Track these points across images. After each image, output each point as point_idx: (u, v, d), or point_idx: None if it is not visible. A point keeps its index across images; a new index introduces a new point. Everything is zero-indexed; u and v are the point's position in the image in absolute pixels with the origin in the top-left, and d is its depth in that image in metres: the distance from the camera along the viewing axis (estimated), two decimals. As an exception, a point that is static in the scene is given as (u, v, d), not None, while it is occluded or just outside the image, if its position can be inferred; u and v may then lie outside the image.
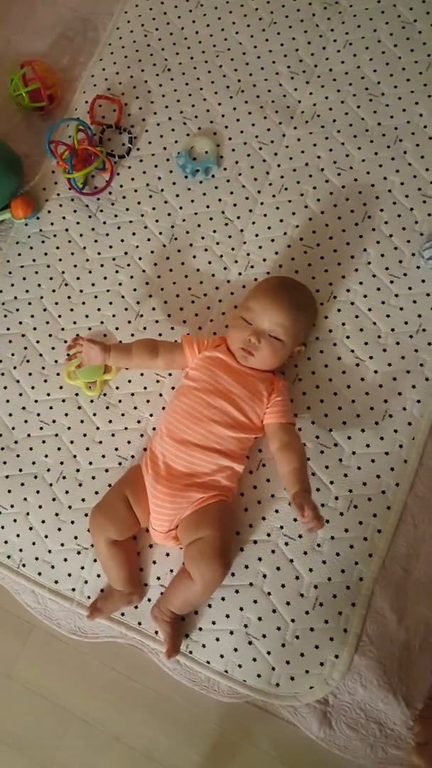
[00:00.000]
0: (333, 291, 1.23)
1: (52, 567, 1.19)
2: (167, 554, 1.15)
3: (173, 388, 1.22)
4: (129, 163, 1.37)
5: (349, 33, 1.36)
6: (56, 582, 1.18)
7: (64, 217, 1.36)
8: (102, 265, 1.32)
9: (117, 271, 1.31)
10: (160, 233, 1.32)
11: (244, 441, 1.12)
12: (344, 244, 1.25)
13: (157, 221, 1.32)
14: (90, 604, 1.16)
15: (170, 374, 1.23)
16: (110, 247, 1.33)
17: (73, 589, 1.18)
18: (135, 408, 1.23)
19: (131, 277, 1.30)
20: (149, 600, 1.14)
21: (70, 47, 1.48)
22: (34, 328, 1.30)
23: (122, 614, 1.15)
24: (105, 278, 1.31)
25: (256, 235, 1.28)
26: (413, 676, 1.07)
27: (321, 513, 1.01)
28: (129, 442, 1.21)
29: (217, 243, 1.29)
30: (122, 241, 1.32)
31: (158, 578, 1.14)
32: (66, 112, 1.43)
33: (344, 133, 1.31)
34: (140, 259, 1.31)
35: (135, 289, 1.29)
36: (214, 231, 1.30)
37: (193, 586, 1.06)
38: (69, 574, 1.18)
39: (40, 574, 1.19)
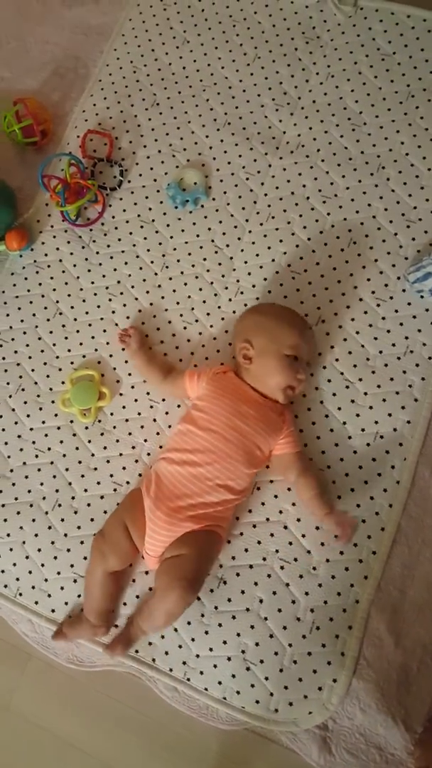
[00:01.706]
0: (321, 315, 1.23)
1: (49, 596, 1.16)
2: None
3: (167, 413, 1.21)
4: (120, 195, 1.37)
5: (331, 66, 1.38)
6: (53, 611, 1.16)
7: (57, 248, 1.36)
8: (95, 294, 1.32)
9: (110, 300, 1.31)
10: (152, 262, 1.32)
11: (254, 475, 1.11)
12: (331, 270, 1.26)
13: (148, 250, 1.33)
14: (57, 627, 1.14)
15: (163, 399, 1.22)
16: (103, 276, 1.32)
17: (70, 617, 1.15)
18: (129, 434, 1.21)
19: (124, 305, 1.30)
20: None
21: (62, 84, 1.49)
22: (29, 357, 1.29)
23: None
24: (98, 306, 1.31)
25: (245, 262, 1.28)
26: (412, 699, 1.04)
27: (317, 534, 1.03)
28: (124, 468, 1.20)
29: (208, 270, 1.29)
30: (115, 270, 1.32)
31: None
32: (58, 146, 1.44)
33: (328, 162, 1.32)
34: (132, 287, 1.31)
35: (128, 317, 1.29)
36: (205, 259, 1.30)
37: (156, 607, 1.04)
38: (66, 603, 1.16)
39: (36, 603, 1.16)
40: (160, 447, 1.19)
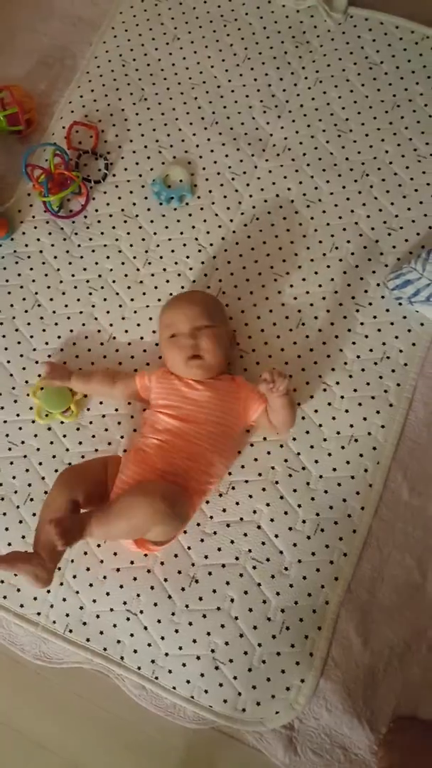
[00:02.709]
0: (302, 318, 1.23)
1: (18, 590, 1.13)
2: (121, 586, 1.11)
3: (145, 410, 1.19)
4: (104, 189, 1.35)
5: (320, 71, 1.38)
6: (21, 606, 1.13)
7: (38, 239, 1.32)
8: (75, 287, 1.29)
9: (90, 294, 1.28)
10: (134, 257, 1.30)
11: (230, 457, 1.11)
12: (312, 273, 1.25)
13: (131, 246, 1.30)
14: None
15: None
16: (84, 269, 1.30)
17: (39, 613, 1.12)
18: (106, 430, 1.19)
19: (104, 299, 1.28)
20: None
21: (48, 74, 1.46)
22: (5, 348, 1.26)
23: (87, 640, 1.10)
24: (78, 300, 1.28)
25: (228, 262, 1.27)
26: (378, 700, 1.05)
27: (289, 535, 0.99)
28: (98, 465, 1.18)
29: (190, 268, 1.28)
30: (96, 264, 1.30)
31: (124, 602, 1.10)
32: (43, 136, 1.40)
33: (313, 167, 1.32)
34: (114, 282, 1.28)
35: (108, 312, 1.27)
36: (188, 257, 1.29)
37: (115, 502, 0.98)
38: (35, 598, 1.13)
39: (5, 597, 1.13)
40: (136, 444, 1.17)
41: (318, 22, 1.41)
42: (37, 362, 1.24)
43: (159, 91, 1.41)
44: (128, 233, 1.32)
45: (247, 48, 1.42)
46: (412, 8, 1.39)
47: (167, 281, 1.28)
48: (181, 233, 1.30)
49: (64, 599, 1.12)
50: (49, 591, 1.13)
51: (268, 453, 1.15)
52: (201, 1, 1.47)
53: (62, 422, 1.19)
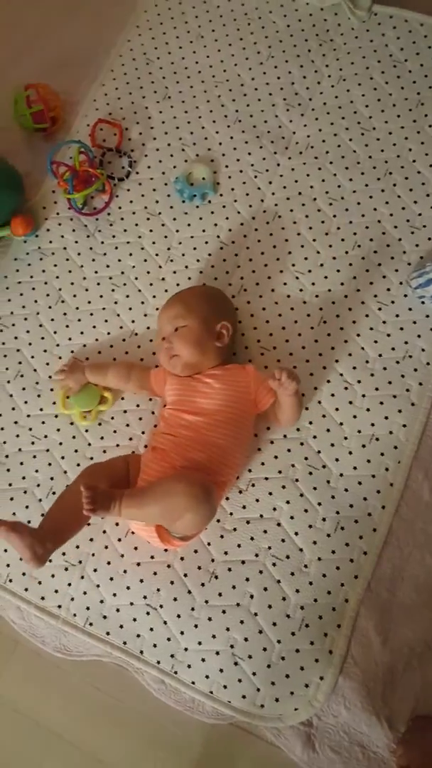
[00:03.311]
0: (323, 316, 1.22)
1: (39, 583, 1.14)
2: (127, 587, 1.11)
3: (165, 405, 1.19)
4: (128, 186, 1.35)
5: (343, 69, 1.37)
6: (42, 598, 1.14)
7: (62, 236, 1.33)
8: (98, 284, 1.29)
9: (113, 290, 1.29)
10: (157, 255, 1.30)
11: (244, 445, 1.10)
12: (335, 272, 1.25)
13: (153, 243, 1.31)
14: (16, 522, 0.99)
15: (163, 393, 1.21)
16: (107, 266, 1.30)
17: (59, 606, 1.13)
18: (127, 425, 1.20)
19: (127, 296, 1.28)
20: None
21: (73, 72, 1.47)
22: (29, 344, 1.27)
23: (107, 633, 1.11)
24: (101, 296, 1.29)
25: (250, 260, 1.27)
26: (397, 699, 1.04)
27: (309, 532, 1.00)
28: (120, 459, 1.18)
29: (212, 266, 1.28)
30: (119, 261, 1.30)
31: (144, 596, 1.11)
32: (68, 134, 1.41)
33: (336, 165, 1.31)
34: (136, 279, 1.29)
35: (130, 308, 1.27)
36: (209, 254, 1.29)
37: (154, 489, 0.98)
38: (56, 591, 1.14)
39: (26, 590, 1.14)
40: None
41: (342, 20, 1.40)
42: (60, 357, 1.25)
43: (183, 90, 1.41)
44: (151, 231, 1.32)
45: (270, 46, 1.41)
46: (437, 6, 1.37)
47: (189, 278, 1.28)
48: (203, 231, 1.30)
49: (85, 592, 1.12)
50: (70, 584, 1.13)
51: (289, 450, 1.15)
52: (225, 0, 1.46)
53: (101, 411, 1.21)
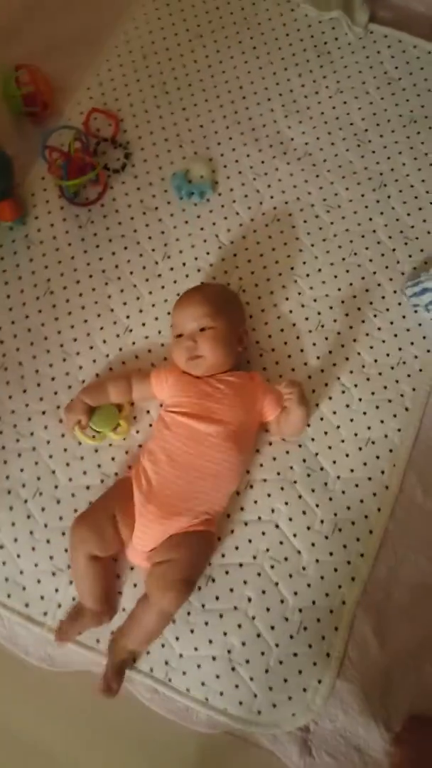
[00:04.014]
0: (321, 320, 1.22)
1: (24, 589, 1.06)
2: (149, 577, 1.06)
3: (161, 405, 1.15)
4: (123, 179, 1.31)
5: (340, 82, 1.40)
6: (27, 605, 1.06)
7: (52, 224, 1.27)
8: (90, 276, 1.24)
9: (106, 284, 1.23)
10: (153, 250, 1.26)
11: (243, 453, 1.07)
12: (332, 277, 1.26)
13: (150, 238, 1.27)
14: (56, 628, 1.05)
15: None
16: (100, 259, 1.25)
17: (45, 613, 1.06)
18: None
19: (121, 290, 1.23)
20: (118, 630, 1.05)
21: (65, 58, 1.41)
22: (14, 336, 1.20)
23: (97, 641, 1.05)
24: (93, 289, 1.23)
25: (249, 261, 1.26)
26: (394, 701, 1.04)
27: (307, 534, 1.02)
28: (113, 459, 1.13)
29: (210, 265, 1.26)
30: (113, 254, 1.25)
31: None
32: (59, 120, 1.35)
33: (334, 173, 1.33)
34: (131, 273, 1.24)
35: (125, 303, 1.22)
36: (207, 253, 1.26)
37: (149, 612, 0.99)
38: (41, 597, 1.06)
39: (9, 596, 1.06)
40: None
41: (339, 35, 1.43)
42: (48, 351, 1.18)
43: (181, 86, 1.39)
44: (147, 225, 1.28)
45: (269, 53, 1.42)
46: (430, 32, 1.43)
47: (186, 276, 1.25)
48: (201, 229, 1.28)
49: (73, 598, 1.06)
50: (57, 590, 1.06)
51: (287, 452, 1.14)
52: (225, 2, 1.46)
53: (58, 407, 1.14)
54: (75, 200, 1.27)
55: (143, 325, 1.21)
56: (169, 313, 1.21)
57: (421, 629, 1.07)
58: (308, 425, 1.15)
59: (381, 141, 1.35)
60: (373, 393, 1.19)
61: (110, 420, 1.11)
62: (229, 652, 1.04)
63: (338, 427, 1.16)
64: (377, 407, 1.18)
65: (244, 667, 1.04)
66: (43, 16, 1.45)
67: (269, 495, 1.12)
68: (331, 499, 1.12)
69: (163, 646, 1.04)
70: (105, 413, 1.11)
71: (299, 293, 1.24)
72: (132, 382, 1.12)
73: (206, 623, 1.05)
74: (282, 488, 1.12)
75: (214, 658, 1.04)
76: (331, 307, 1.24)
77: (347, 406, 1.18)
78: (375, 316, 1.24)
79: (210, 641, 1.04)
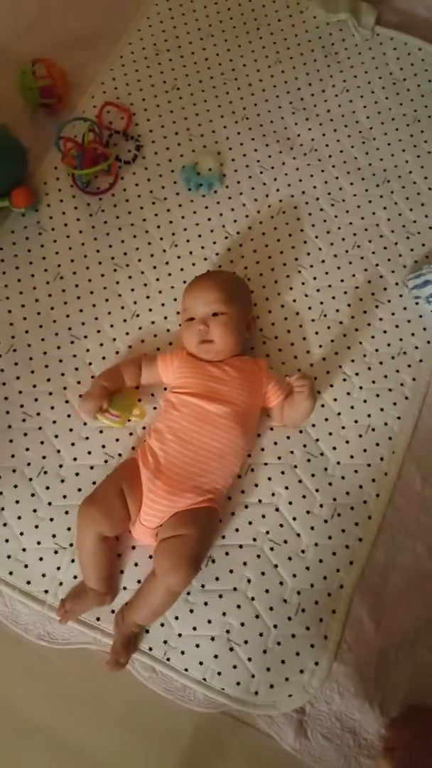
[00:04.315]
0: (324, 310, 1.24)
1: (26, 566, 1.07)
2: (150, 556, 1.07)
3: (165, 388, 1.16)
4: (134, 170, 1.33)
5: (346, 81, 1.42)
6: (28, 582, 1.07)
7: (63, 213, 1.29)
8: (100, 263, 1.26)
9: (115, 270, 1.25)
10: (161, 239, 1.28)
11: (248, 433, 1.08)
12: (335, 268, 1.27)
13: (158, 227, 1.29)
14: (59, 606, 1.06)
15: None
16: (110, 246, 1.27)
17: (46, 591, 1.06)
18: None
19: (129, 277, 1.25)
20: (126, 604, 1.05)
21: (80, 53, 1.44)
22: (24, 318, 1.21)
23: (97, 619, 1.05)
24: (102, 275, 1.25)
25: (254, 251, 1.28)
26: (389, 685, 1.04)
27: (307, 518, 1.04)
28: (117, 440, 1.14)
29: (217, 254, 1.27)
30: (122, 242, 1.28)
31: (138, 581, 1.06)
32: (73, 113, 1.38)
33: (338, 169, 1.35)
34: (139, 260, 1.26)
35: (132, 289, 1.24)
36: (214, 242, 1.28)
37: (156, 588, 0.99)
38: (43, 575, 1.07)
39: (11, 573, 1.07)
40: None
41: (346, 36, 1.46)
42: (56, 334, 1.20)
43: (191, 83, 1.41)
44: (156, 215, 1.30)
45: (278, 52, 1.45)
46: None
47: (193, 264, 1.26)
48: (209, 220, 1.30)
49: (75, 576, 1.06)
50: (59, 568, 1.07)
51: (288, 438, 1.15)
52: (236, 4, 1.49)
53: (65, 388, 1.16)
54: (87, 189, 1.30)
55: (150, 310, 1.23)
56: (175, 300, 1.23)
57: (417, 614, 1.08)
58: (310, 412, 1.16)
59: (385, 138, 1.38)
60: (373, 382, 1.20)
61: (130, 403, 1.12)
62: (227, 632, 1.04)
63: (339, 414, 1.17)
64: (377, 395, 1.19)
65: (243, 648, 1.04)
66: (59, 14, 1.48)
67: (270, 479, 1.12)
68: (330, 484, 1.13)
69: (162, 625, 1.05)
70: (125, 397, 1.12)
71: (303, 283, 1.26)
72: (141, 368, 1.14)
73: (206, 603, 1.05)
74: (282, 472, 1.13)
75: (212, 638, 1.04)
76: (333, 297, 1.25)
77: (348, 393, 1.19)
78: (377, 306, 1.25)
79: (209, 621, 1.05)
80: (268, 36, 1.46)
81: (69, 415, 1.15)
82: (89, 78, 1.42)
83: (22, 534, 1.08)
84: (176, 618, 1.05)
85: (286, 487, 1.12)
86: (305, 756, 1.03)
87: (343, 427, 1.17)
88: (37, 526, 1.09)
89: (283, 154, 1.36)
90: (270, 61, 1.44)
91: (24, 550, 1.08)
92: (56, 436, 1.14)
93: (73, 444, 1.13)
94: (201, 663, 1.04)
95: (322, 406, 1.18)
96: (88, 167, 1.26)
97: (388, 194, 1.33)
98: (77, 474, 1.12)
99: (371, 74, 1.43)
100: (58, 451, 1.13)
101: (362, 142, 1.37)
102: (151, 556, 1.06)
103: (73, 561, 1.07)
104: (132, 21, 1.48)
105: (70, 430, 1.14)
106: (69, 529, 1.08)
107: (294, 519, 1.10)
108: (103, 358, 1.19)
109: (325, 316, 1.24)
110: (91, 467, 1.12)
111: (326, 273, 1.27)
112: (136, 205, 1.31)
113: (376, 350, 1.22)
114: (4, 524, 1.09)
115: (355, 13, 1.46)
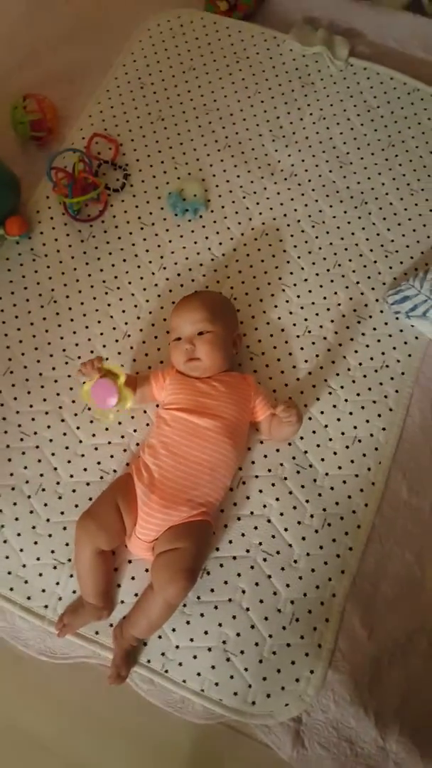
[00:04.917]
0: (308, 326, 1.27)
1: (26, 582, 1.08)
2: (146, 570, 1.08)
3: (157, 406, 1.18)
4: (122, 197, 1.37)
5: (323, 109, 1.48)
6: (29, 598, 1.07)
7: (56, 239, 1.32)
8: (92, 286, 1.29)
9: (106, 293, 1.28)
10: (150, 262, 1.32)
11: (238, 446, 1.10)
12: (318, 286, 1.31)
13: (147, 251, 1.32)
14: (57, 621, 1.06)
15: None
16: (101, 270, 1.30)
17: (46, 606, 1.07)
18: (119, 423, 1.18)
19: (120, 299, 1.28)
20: (124, 618, 1.06)
21: (69, 88, 1.49)
22: (20, 341, 1.24)
23: (96, 633, 1.06)
24: (94, 298, 1.28)
25: (240, 272, 1.31)
26: (383, 691, 1.05)
27: (298, 529, 1.05)
28: (112, 457, 1.15)
29: (203, 275, 1.31)
30: (113, 265, 1.31)
31: (136, 594, 1.07)
32: (62, 145, 1.42)
33: (318, 192, 1.40)
34: (130, 283, 1.30)
35: (123, 311, 1.27)
36: (201, 264, 1.32)
37: (154, 601, 1.00)
38: (43, 590, 1.08)
39: (11, 589, 1.07)
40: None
41: (322, 67, 1.52)
42: (51, 356, 1.22)
43: (175, 114, 1.46)
44: (144, 240, 1.34)
45: (257, 83, 1.50)
46: (403, 66, 1.52)
47: (181, 285, 1.30)
48: (195, 243, 1.34)
49: (74, 591, 1.07)
50: (58, 583, 1.08)
51: (277, 450, 1.17)
52: (216, 39, 1.55)
53: (60, 407, 1.18)
54: (78, 217, 1.33)
55: (140, 330, 1.26)
56: (165, 320, 1.26)
57: (407, 621, 1.09)
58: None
59: (361, 163, 1.43)
60: (358, 394, 1.23)
61: (128, 393, 1.13)
62: (224, 642, 1.05)
63: (326, 426, 1.20)
64: (362, 407, 1.22)
65: (239, 658, 1.05)
66: (49, 51, 1.54)
67: (261, 491, 1.14)
68: (320, 494, 1.15)
69: (160, 637, 1.05)
70: (124, 388, 1.13)
71: (287, 301, 1.29)
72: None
73: (202, 615, 1.06)
74: (273, 484, 1.15)
75: (209, 649, 1.05)
76: (317, 314, 1.29)
77: (334, 406, 1.21)
78: (359, 322, 1.29)
79: (206, 632, 1.05)
80: (248, 68, 1.52)
81: (65, 434, 1.17)
82: (78, 111, 1.47)
83: (21, 550, 1.09)
84: (173, 630, 1.06)
85: (277, 499, 1.14)
86: (302, 765, 1.03)
87: (331, 439, 1.19)
88: (36, 542, 1.10)
89: (265, 179, 1.40)
90: (250, 92, 1.49)
91: (24, 566, 1.09)
92: (53, 454, 1.15)
93: (69, 461, 1.15)
94: (199, 674, 1.04)
95: (310, 419, 1.20)
96: (78, 196, 1.30)
97: (366, 215, 1.38)
98: (74, 490, 1.13)
99: (346, 102, 1.49)
100: (55, 469, 1.15)
101: (340, 166, 1.42)
102: (147, 570, 1.07)
103: (71, 576, 1.08)
104: (118, 56, 1.53)
105: (67, 447, 1.16)
106: (67, 544, 1.09)
107: (285, 530, 1.12)
108: (97, 378, 1.21)
109: (309, 332, 1.27)
110: (88, 483, 1.14)
111: (309, 291, 1.30)
112: (125, 231, 1.34)
113: (360, 364, 1.25)
114: (5, 541, 1.10)
115: (330, 45, 1.52)
